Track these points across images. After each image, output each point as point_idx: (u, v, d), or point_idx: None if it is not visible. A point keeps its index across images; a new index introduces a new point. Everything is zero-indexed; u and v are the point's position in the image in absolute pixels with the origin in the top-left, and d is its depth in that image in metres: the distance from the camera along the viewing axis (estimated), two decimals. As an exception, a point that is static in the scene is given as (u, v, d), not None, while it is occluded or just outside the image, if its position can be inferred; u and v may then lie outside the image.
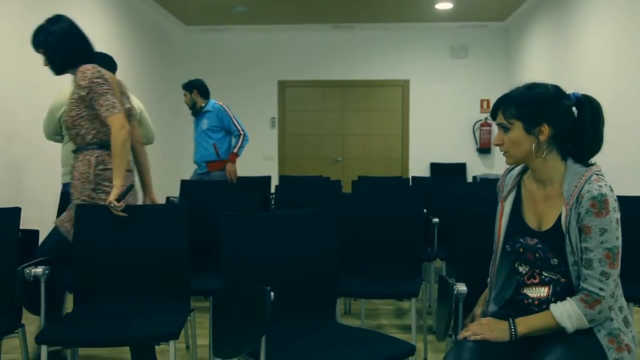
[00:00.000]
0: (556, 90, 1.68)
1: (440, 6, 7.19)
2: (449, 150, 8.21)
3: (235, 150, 5.02)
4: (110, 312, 2.28)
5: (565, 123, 1.64)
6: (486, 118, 8.14)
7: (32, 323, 3.38)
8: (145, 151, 2.88)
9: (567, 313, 1.59)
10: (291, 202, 3.75)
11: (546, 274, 1.71)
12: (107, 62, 3.90)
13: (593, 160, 1.68)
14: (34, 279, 2.10)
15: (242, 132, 5.03)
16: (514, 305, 1.78)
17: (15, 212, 2.40)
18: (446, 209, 3.52)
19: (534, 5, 6.89)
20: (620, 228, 1.58)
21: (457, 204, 3.23)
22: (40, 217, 4.42)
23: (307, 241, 2.23)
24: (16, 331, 2.20)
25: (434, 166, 8.12)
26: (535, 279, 1.73)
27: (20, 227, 2.45)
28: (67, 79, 2.68)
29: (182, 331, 2.36)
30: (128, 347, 2.99)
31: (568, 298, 1.63)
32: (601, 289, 1.56)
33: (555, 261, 1.67)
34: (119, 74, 4.39)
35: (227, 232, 2.10)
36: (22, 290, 2.09)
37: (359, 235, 3.09)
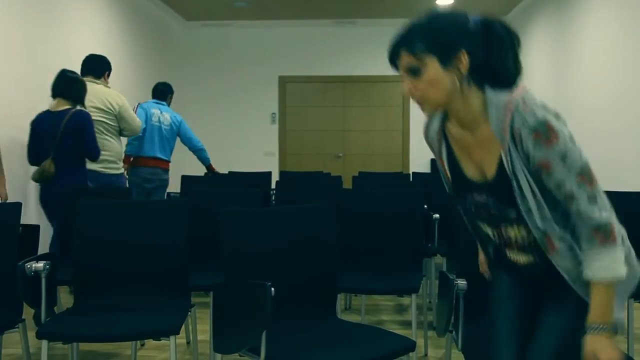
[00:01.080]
0: (459, 13, 1.41)
1: (441, 2, 7.17)
2: (449, 146, 8.19)
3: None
4: (110, 308, 2.28)
5: (479, 48, 1.37)
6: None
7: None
8: None
9: (606, 270, 1.33)
10: (292, 197, 3.75)
11: (513, 234, 1.48)
12: (102, 64, 4.13)
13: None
14: (34, 274, 2.10)
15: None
16: (509, 268, 1.59)
17: (16, 207, 2.41)
18: (447, 205, 3.51)
19: (535, 1, 6.88)
20: (576, 141, 1.34)
21: (457, 200, 3.22)
22: (41, 212, 4.42)
23: (308, 237, 2.23)
24: (17, 326, 2.21)
25: (435, 162, 8.08)
26: (511, 247, 1.52)
27: (21, 222, 2.46)
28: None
29: (183, 327, 2.36)
30: (129, 343, 2.99)
31: (585, 252, 1.36)
32: (600, 214, 1.33)
33: (513, 213, 1.44)
34: (119, 70, 4.39)
35: (228, 228, 2.10)
36: (23, 285, 2.10)
37: (360, 231, 3.09)
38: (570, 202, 1.35)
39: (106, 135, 4.04)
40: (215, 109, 8.41)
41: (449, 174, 1.57)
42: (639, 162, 4.34)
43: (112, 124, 4.06)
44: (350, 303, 4.04)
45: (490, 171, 1.44)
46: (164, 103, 5.12)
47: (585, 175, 1.33)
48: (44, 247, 4.16)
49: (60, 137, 3.46)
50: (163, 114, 4.99)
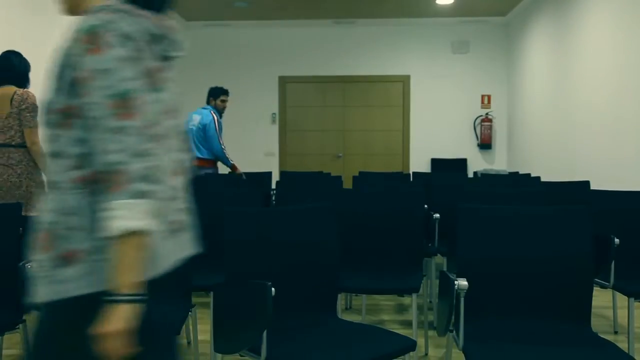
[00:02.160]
0: None
1: (441, 1, 7.18)
2: (449, 145, 8.20)
3: None
4: (111, 308, 2.28)
5: None
6: (487, 113, 8.13)
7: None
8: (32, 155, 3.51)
9: (114, 222, 1.07)
10: (292, 198, 3.75)
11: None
12: None
13: None
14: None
15: None
16: None
17: (17, 207, 2.41)
18: (447, 205, 3.52)
19: (535, 1, 6.88)
20: (137, 69, 1.12)
21: (458, 200, 3.23)
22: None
23: (308, 237, 2.24)
24: (18, 327, 2.21)
25: (435, 162, 8.12)
26: None
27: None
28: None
29: (184, 327, 2.37)
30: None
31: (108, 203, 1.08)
32: (116, 152, 1.06)
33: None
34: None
35: (228, 228, 2.10)
36: (24, 286, 2.10)
37: (360, 230, 3.09)
38: (93, 129, 1.10)
39: None
40: (215, 109, 8.41)
41: None
42: (639, 162, 4.34)
43: None
44: (351, 303, 4.04)
45: None
46: (208, 107, 5.43)
47: (123, 104, 1.08)
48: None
49: None
50: (197, 117, 5.35)
